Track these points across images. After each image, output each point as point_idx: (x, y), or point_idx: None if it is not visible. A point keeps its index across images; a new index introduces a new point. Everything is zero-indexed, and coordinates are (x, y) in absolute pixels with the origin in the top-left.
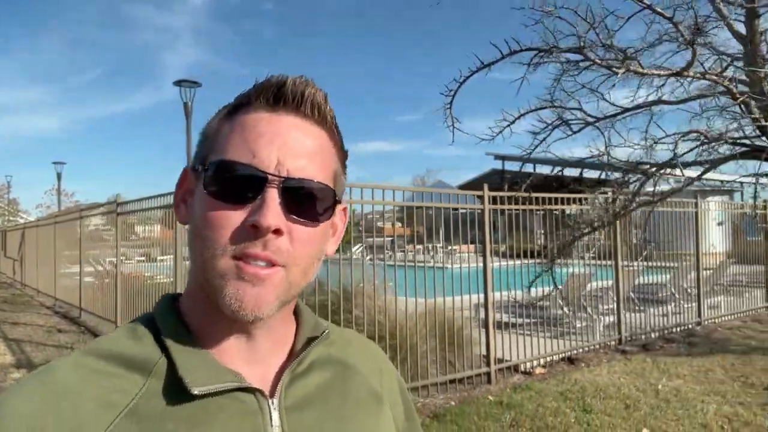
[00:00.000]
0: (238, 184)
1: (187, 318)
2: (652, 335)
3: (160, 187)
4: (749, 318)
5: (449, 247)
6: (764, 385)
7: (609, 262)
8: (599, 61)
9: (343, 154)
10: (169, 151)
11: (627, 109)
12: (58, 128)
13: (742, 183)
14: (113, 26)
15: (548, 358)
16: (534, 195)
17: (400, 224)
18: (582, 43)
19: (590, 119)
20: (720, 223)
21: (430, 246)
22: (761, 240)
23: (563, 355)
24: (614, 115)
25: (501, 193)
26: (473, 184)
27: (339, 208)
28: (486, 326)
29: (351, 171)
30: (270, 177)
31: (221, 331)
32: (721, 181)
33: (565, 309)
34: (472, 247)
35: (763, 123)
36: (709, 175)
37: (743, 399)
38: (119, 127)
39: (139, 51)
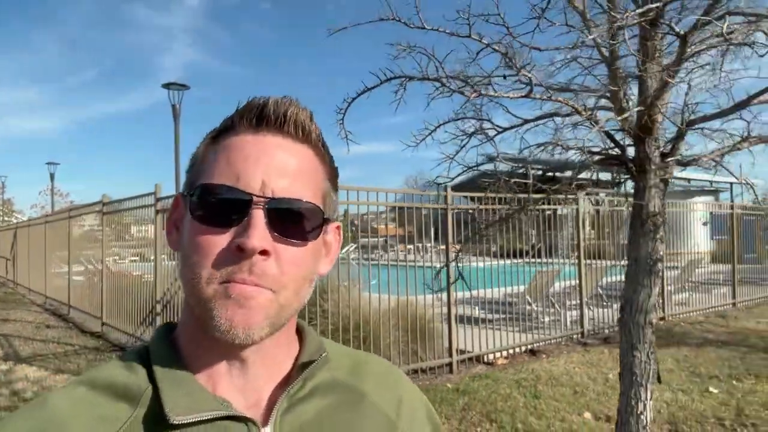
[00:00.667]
0: (222, 206)
1: (181, 346)
2: (616, 329)
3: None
4: (714, 314)
5: (438, 247)
6: (709, 374)
7: (581, 261)
8: (454, 88)
9: (332, 172)
10: (166, 151)
11: (527, 120)
12: (53, 128)
13: (732, 184)
14: (109, 27)
15: (511, 350)
16: (491, 195)
17: (392, 225)
18: (440, 74)
19: (498, 129)
20: (705, 224)
21: (419, 246)
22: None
23: (526, 347)
24: (520, 125)
25: (463, 193)
26: (466, 185)
27: (332, 226)
28: (449, 320)
29: (348, 172)
30: (255, 198)
31: (213, 358)
32: (710, 182)
33: (533, 305)
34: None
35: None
36: (696, 175)
37: (686, 387)
38: (115, 128)
39: (135, 52)
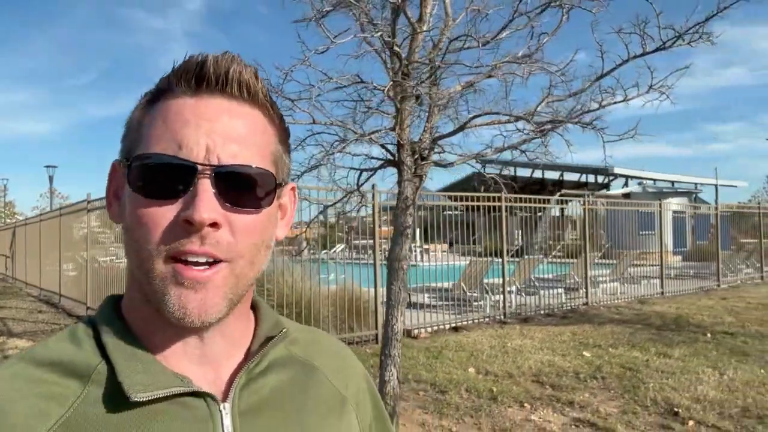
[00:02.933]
0: (165, 178)
1: (129, 319)
2: (541, 311)
3: None
4: (637, 301)
5: (424, 246)
6: (594, 344)
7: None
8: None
9: (283, 133)
10: None
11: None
12: (52, 131)
13: (717, 186)
14: (107, 30)
15: (436, 327)
16: (447, 194)
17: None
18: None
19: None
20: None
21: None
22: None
23: (450, 324)
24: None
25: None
26: (455, 187)
27: (286, 189)
28: (375, 300)
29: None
30: (200, 167)
31: (167, 334)
32: (696, 185)
33: (466, 291)
34: (445, 246)
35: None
36: (669, 177)
37: (566, 352)
38: (115, 130)
39: (132, 54)
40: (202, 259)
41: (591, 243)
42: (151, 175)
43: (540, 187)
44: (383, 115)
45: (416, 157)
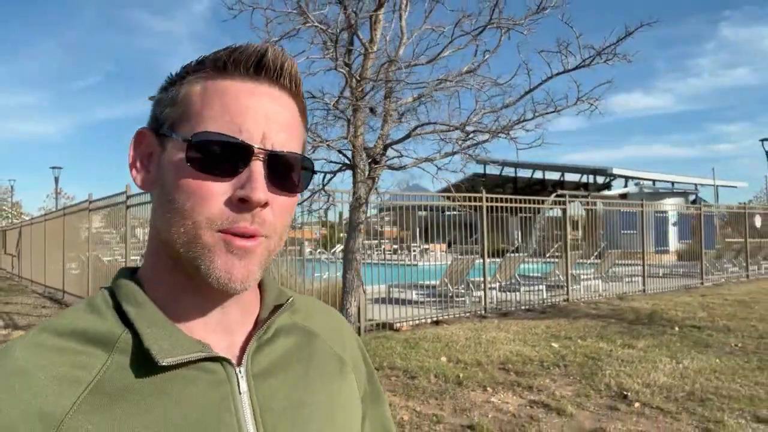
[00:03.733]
0: (226, 157)
1: (149, 290)
2: (522, 307)
3: None
4: (618, 298)
5: (423, 246)
6: (565, 336)
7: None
8: None
9: (307, 124)
10: None
11: None
12: (59, 132)
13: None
14: (114, 32)
15: (418, 321)
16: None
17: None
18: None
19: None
20: (674, 224)
21: (405, 245)
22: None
23: (432, 318)
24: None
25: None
26: (456, 188)
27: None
28: (357, 296)
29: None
30: (256, 150)
31: (188, 302)
32: (673, 183)
33: (450, 287)
34: (443, 246)
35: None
36: (669, 177)
37: (537, 343)
38: (120, 131)
39: (139, 56)
40: (249, 235)
41: (588, 242)
42: (212, 153)
43: (541, 187)
44: (335, 125)
45: (369, 161)
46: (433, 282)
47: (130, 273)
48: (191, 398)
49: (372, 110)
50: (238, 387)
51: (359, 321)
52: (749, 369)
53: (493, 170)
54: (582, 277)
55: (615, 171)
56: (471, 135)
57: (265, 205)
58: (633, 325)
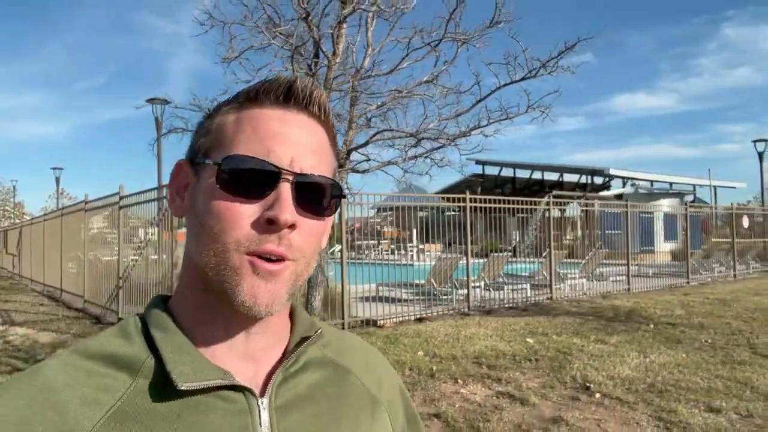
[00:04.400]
0: (254, 178)
1: (178, 315)
2: (506, 305)
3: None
4: (601, 296)
5: (420, 246)
6: (543, 332)
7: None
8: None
9: (337, 152)
10: (172, 153)
11: None
12: (64, 133)
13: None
14: (118, 33)
15: (402, 317)
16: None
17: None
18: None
19: None
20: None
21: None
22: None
23: (415, 315)
24: None
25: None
26: (453, 189)
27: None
28: (342, 294)
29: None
30: (284, 172)
31: (216, 329)
32: (670, 183)
33: (435, 286)
34: (436, 246)
35: None
36: (667, 178)
37: (513, 339)
38: (123, 132)
39: (142, 58)
40: (275, 258)
41: (583, 242)
42: (241, 175)
43: (540, 188)
44: None
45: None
46: (416, 280)
47: (163, 300)
48: (209, 426)
49: (338, 117)
50: (259, 419)
51: (343, 317)
52: (713, 363)
53: (492, 171)
54: (568, 276)
55: (612, 171)
56: (419, 142)
57: (293, 227)
58: (610, 322)
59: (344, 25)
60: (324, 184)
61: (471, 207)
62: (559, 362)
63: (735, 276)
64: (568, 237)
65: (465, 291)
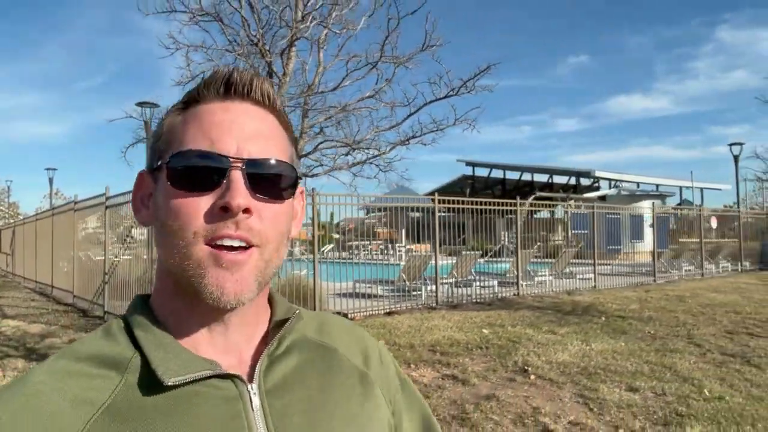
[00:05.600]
0: (202, 171)
1: (158, 314)
2: (473, 300)
3: None
4: (566, 293)
5: (407, 246)
6: (500, 324)
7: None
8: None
9: (294, 140)
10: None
11: None
12: (62, 133)
13: (681, 188)
14: (117, 34)
15: (372, 311)
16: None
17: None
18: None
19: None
20: (651, 225)
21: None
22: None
23: (386, 310)
24: None
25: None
26: (443, 190)
27: (297, 191)
28: (314, 290)
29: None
30: (232, 160)
31: (194, 323)
32: (656, 185)
33: (407, 282)
34: (425, 246)
35: None
36: (653, 180)
37: (471, 330)
38: (121, 132)
39: (141, 58)
40: (236, 244)
41: (567, 242)
42: (188, 169)
43: (529, 189)
44: None
45: None
46: (393, 278)
47: (143, 299)
48: (202, 416)
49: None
50: (251, 404)
51: (315, 310)
52: (646, 351)
53: (481, 172)
54: (538, 274)
55: (598, 174)
56: (353, 150)
57: (248, 211)
58: (566, 315)
59: (293, 49)
60: (277, 166)
61: (439, 208)
62: (507, 350)
63: (703, 275)
64: (556, 237)
65: (443, 287)
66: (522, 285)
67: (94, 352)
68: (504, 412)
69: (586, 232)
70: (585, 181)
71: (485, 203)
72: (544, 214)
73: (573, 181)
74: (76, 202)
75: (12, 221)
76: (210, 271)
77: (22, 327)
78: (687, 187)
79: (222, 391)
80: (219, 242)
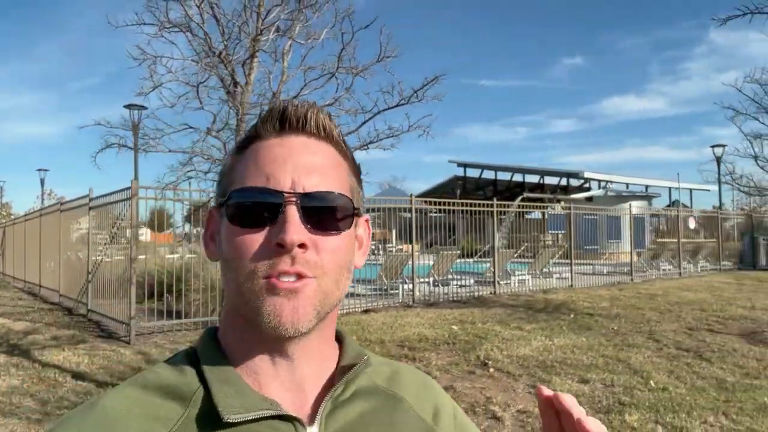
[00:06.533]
0: (257, 207)
1: (226, 348)
2: (450, 299)
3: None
4: (542, 292)
5: (398, 246)
6: (471, 321)
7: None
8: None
9: (355, 168)
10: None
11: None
12: (56, 134)
13: (670, 189)
14: (112, 35)
15: (350, 309)
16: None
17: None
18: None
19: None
20: (646, 224)
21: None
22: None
23: (363, 308)
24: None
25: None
26: (435, 191)
27: (361, 220)
28: None
29: None
30: (286, 195)
31: (258, 357)
32: (646, 186)
33: (386, 281)
34: (415, 246)
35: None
36: (642, 181)
37: (441, 326)
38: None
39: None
40: (293, 278)
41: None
42: (243, 206)
43: (521, 189)
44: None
45: None
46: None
47: (213, 332)
48: None
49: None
50: None
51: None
52: (605, 346)
53: (474, 173)
54: (516, 273)
55: (587, 174)
56: None
57: (303, 246)
58: (537, 313)
59: (255, 60)
60: (332, 199)
61: (416, 209)
62: (473, 345)
63: (680, 274)
64: (547, 238)
65: (422, 286)
66: (502, 284)
67: (162, 383)
68: (458, 402)
69: (563, 232)
70: (575, 182)
71: (460, 204)
72: (536, 214)
73: (564, 182)
74: (61, 203)
75: (3, 222)
76: (267, 299)
77: (6, 324)
78: (676, 188)
79: None
80: (277, 276)
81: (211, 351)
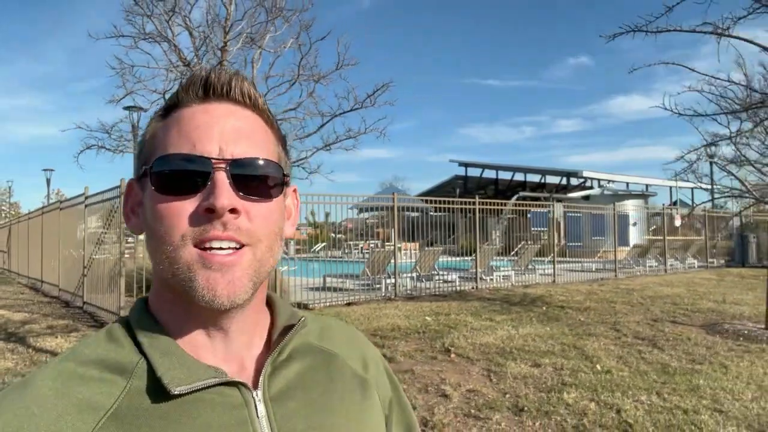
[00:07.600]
0: (185, 174)
1: (159, 318)
2: (432, 293)
3: None
4: (523, 286)
5: (399, 245)
6: (445, 313)
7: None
8: None
9: (281, 137)
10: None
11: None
12: (62, 134)
13: (670, 188)
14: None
15: (332, 302)
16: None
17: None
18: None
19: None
20: (634, 224)
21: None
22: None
23: (346, 301)
24: None
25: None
26: (436, 190)
27: (289, 190)
28: (275, 281)
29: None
30: (215, 161)
31: (193, 330)
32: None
33: (370, 276)
34: (414, 244)
35: None
36: (642, 180)
37: (416, 318)
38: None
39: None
40: (225, 245)
41: (549, 240)
42: (171, 173)
43: (522, 188)
44: None
45: None
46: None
47: (145, 302)
48: (208, 423)
49: None
50: (256, 411)
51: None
52: (566, 335)
53: (475, 172)
54: (500, 268)
55: (586, 174)
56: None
57: (234, 211)
58: (513, 305)
59: (223, 68)
60: (262, 166)
61: (398, 207)
62: (442, 334)
63: (666, 271)
64: (545, 236)
65: (406, 280)
66: (485, 279)
67: (100, 356)
68: (414, 383)
69: (544, 229)
70: (575, 181)
71: (447, 202)
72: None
73: (564, 181)
74: (61, 202)
75: (9, 220)
76: (199, 273)
77: (6, 315)
78: (676, 187)
79: (228, 399)
80: (208, 244)
81: (146, 321)
